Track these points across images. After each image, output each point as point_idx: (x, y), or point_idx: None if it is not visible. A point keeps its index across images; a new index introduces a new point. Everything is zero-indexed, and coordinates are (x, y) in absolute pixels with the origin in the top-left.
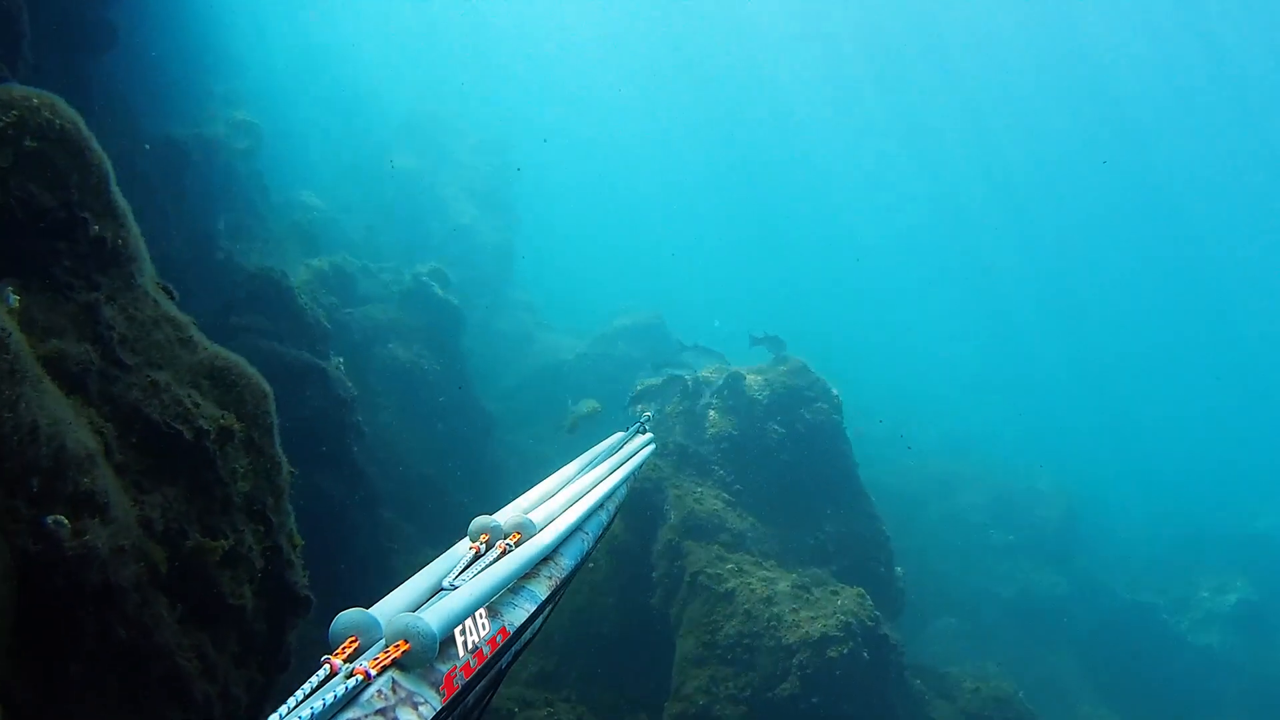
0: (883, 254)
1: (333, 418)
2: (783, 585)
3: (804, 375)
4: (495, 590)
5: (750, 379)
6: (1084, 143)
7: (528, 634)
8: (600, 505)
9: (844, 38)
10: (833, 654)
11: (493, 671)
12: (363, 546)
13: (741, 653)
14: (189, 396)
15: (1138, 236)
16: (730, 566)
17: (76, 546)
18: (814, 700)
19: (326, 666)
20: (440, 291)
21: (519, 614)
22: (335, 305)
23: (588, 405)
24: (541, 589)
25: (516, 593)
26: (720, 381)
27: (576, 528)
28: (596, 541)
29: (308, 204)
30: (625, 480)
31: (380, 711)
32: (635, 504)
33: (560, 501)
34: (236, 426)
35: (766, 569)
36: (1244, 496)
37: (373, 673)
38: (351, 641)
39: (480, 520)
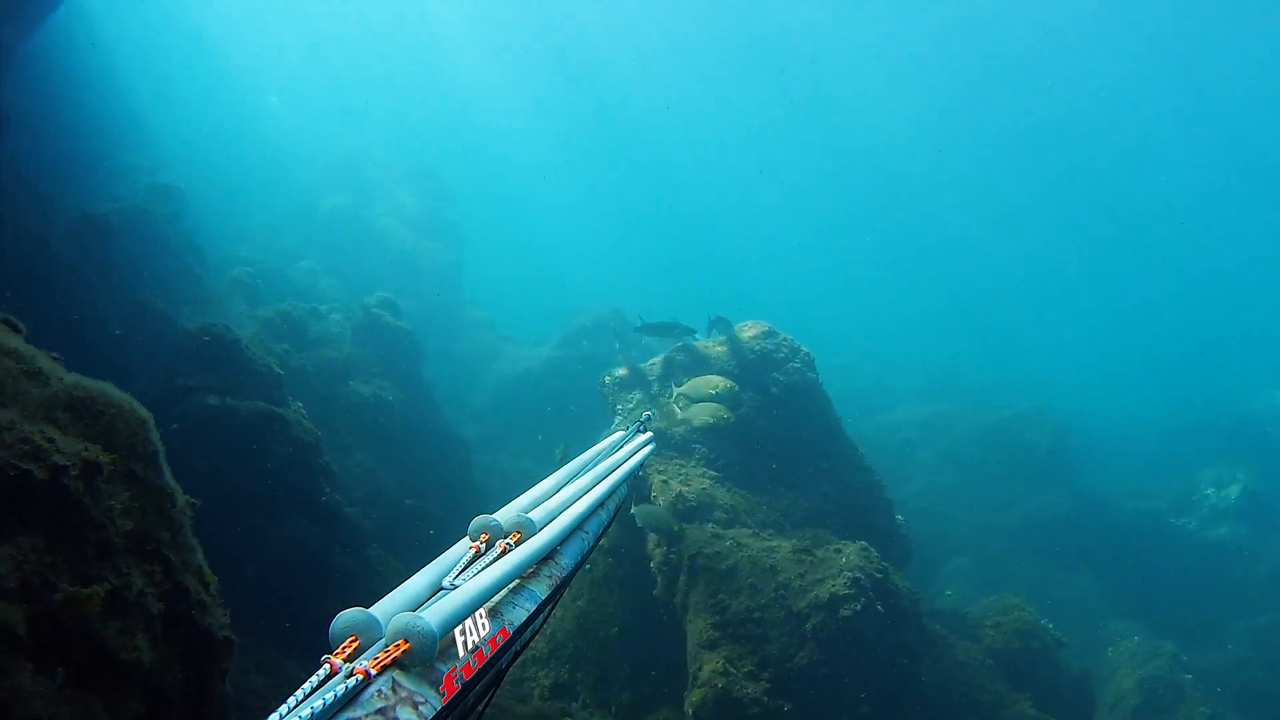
0: (821, 225)
1: (298, 463)
2: (784, 552)
3: (771, 338)
4: (495, 589)
5: (715, 351)
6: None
7: (528, 634)
8: (600, 504)
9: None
10: (846, 613)
11: (493, 671)
12: (350, 588)
13: (753, 628)
14: (40, 433)
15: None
16: (728, 543)
17: None
18: (835, 662)
19: (326, 666)
20: (393, 320)
21: (519, 613)
22: (288, 352)
23: (560, 450)
24: (542, 588)
25: (517, 592)
26: (685, 359)
27: (577, 526)
28: (597, 540)
29: (246, 258)
30: (626, 479)
31: (380, 711)
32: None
33: (560, 500)
34: (105, 459)
35: (765, 539)
36: (1226, 381)
37: (373, 672)
38: (351, 641)
39: (480, 520)
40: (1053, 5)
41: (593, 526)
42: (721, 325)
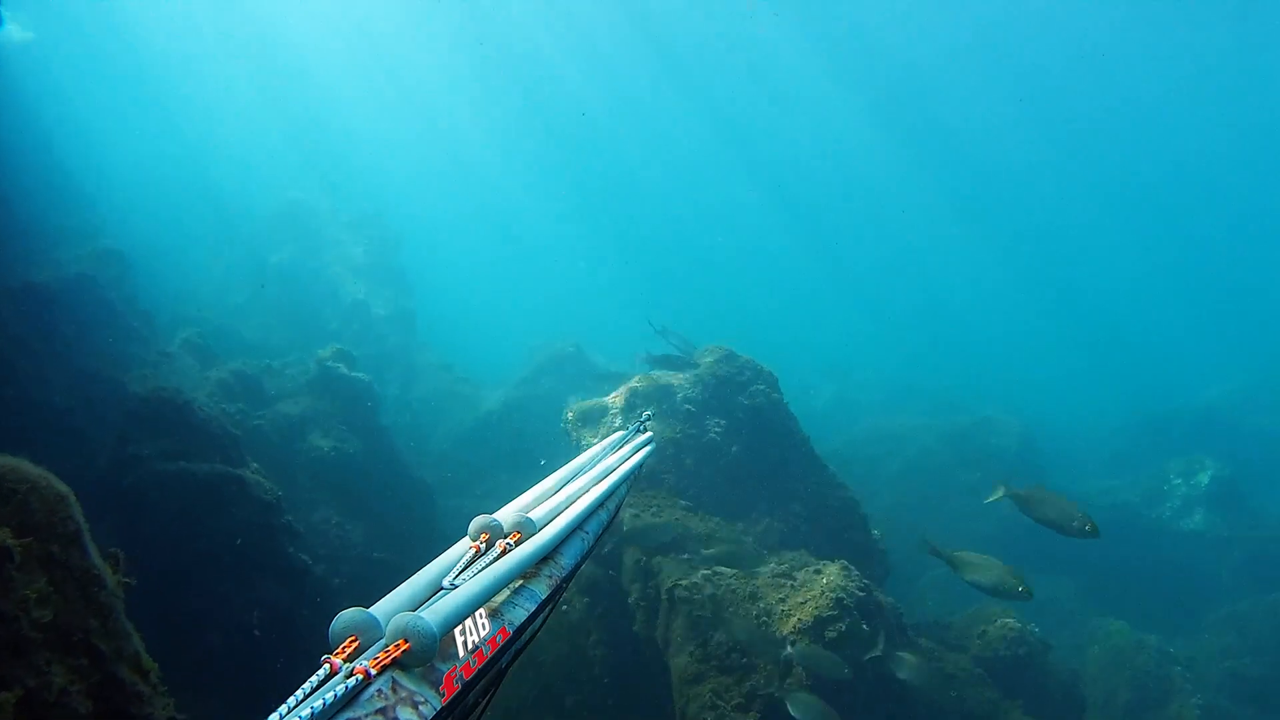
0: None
1: (260, 524)
2: (763, 577)
3: (731, 362)
4: (495, 589)
5: (676, 380)
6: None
7: (528, 634)
8: (600, 504)
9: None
10: (832, 634)
11: (493, 671)
12: (321, 648)
13: (738, 657)
14: None
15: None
16: (705, 572)
17: None
18: (825, 685)
19: (326, 666)
20: (348, 371)
21: (519, 613)
22: (244, 411)
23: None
24: (542, 588)
25: (517, 592)
26: (647, 389)
27: (577, 526)
28: (597, 540)
29: (195, 318)
30: (625, 479)
31: (380, 711)
32: None
33: (560, 500)
34: (14, 543)
35: (743, 565)
36: (1185, 373)
37: (373, 672)
38: (352, 641)
39: (480, 519)
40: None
41: (593, 526)
42: (671, 335)
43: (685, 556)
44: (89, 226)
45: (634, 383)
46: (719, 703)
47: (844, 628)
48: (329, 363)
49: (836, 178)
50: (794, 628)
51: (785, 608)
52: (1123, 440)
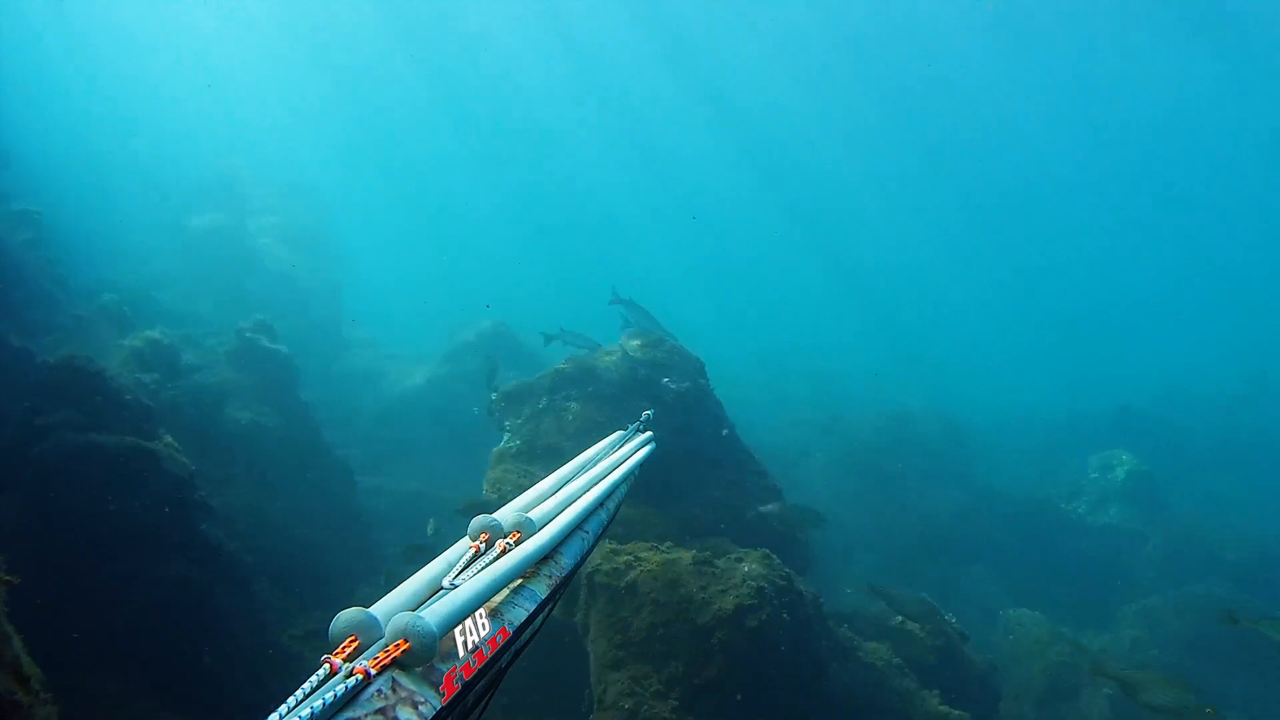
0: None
1: (171, 499)
2: (685, 564)
3: (660, 347)
4: (495, 589)
5: (605, 361)
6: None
7: (528, 633)
8: (600, 503)
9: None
10: (752, 623)
11: (493, 671)
12: (236, 626)
13: (659, 645)
14: None
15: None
16: (626, 558)
17: None
18: (744, 674)
19: (326, 666)
20: (269, 344)
21: (519, 613)
22: (160, 382)
23: (430, 526)
24: (542, 588)
25: (517, 592)
26: (573, 371)
27: (577, 526)
28: (597, 540)
29: (114, 284)
30: (625, 478)
31: (380, 710)
32: None
33: (560, 500)
34: None
35: (665, 551)
36: (1111, 371)
37: (373, 672)
38: (351, 641)
39: (480, 519)
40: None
41: (593, 526)
42: (632, 307)
43: (607, 541)
44: (4, 187)
45: (562, 364)
46: (637, 689)
47: (764, 616)
48: (249, 334)
49: (772, 158)
50: (714, 615)
51: (706, 595)
52: (1048, 436)
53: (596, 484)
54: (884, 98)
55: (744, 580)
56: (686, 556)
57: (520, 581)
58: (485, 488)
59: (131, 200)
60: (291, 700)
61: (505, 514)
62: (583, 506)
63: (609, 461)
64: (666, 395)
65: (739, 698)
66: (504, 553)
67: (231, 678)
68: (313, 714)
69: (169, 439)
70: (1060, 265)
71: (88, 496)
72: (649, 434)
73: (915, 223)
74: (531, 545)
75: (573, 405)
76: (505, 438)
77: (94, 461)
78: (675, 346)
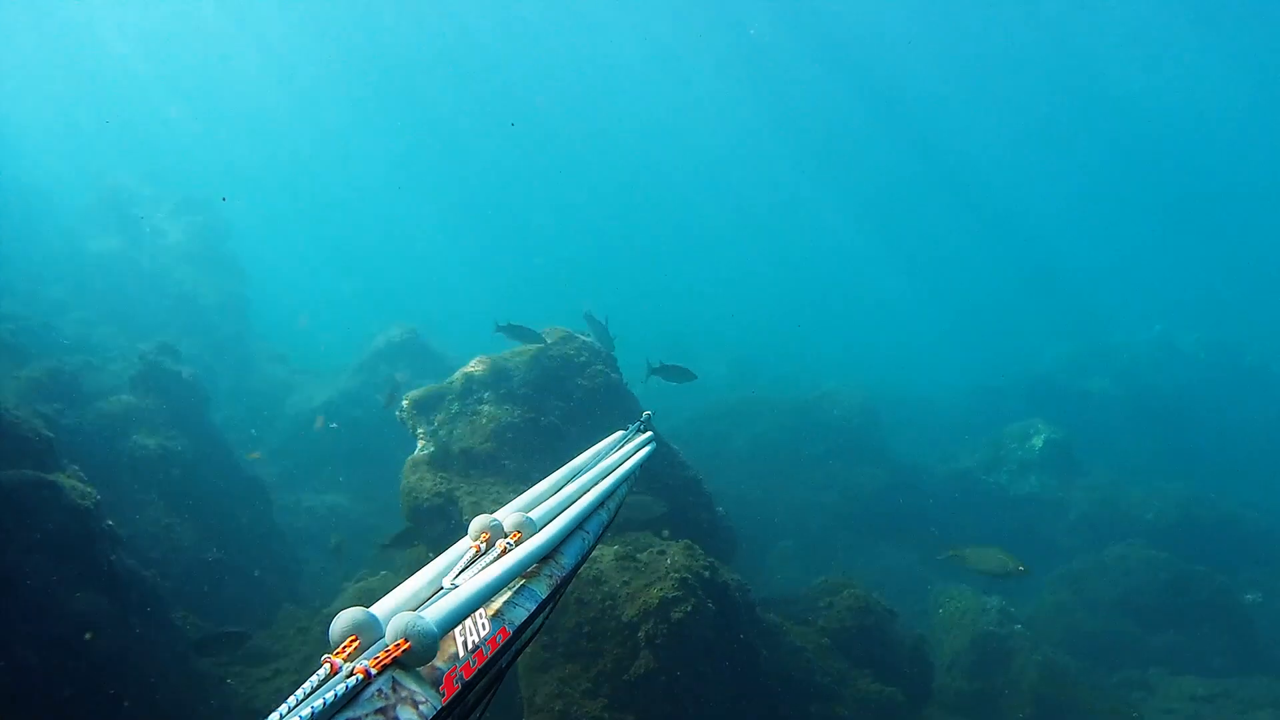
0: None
1: (75, 531)
2: (607, 560)
3: (570, 342)
4: (496, 589)
5: (514, 361)
6: None
7: (528, 633)
8: (600, 503)
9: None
10: (677, 615)
11: (493, 671)
12: (152, 656)
13: (585, 643)
14: None
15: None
16: None
17: None
18: (673, 667)
19: (327, 666)
20: (173, 365)
21: (520, 613)
22: (60, 411)
23: (335, 538)
24: (542, 588)
25: (517, 592)
26: (483, 373)
27: (577, 526)
28: (597, 539)
29: (7, 313)
30: (625, 478)
31: (380, 710)
32: (428, 522)
33: (560, 500)
34: None
35: None
36: (1025, 341)
37: (373, 671)
38: (352, 640)
39: (481, 519)
40: None
41: (593, 526)
42: (517, 332)
43: None
44: None
45: (471, 367)
46: (566, 690)
47: (690, 608)
48: (152, 356)
49: (679, 143)
50: (639, 610)
51: (630, 590)
52: (965, 409)
53: (596, 484)
54: (808, 76)
55: (668, 573)
56: (609, 552)
57: (521, 581)
58: (400, 498)
59: (19, 226)
60: (292, 700)
61: (506, 514)
62: (583, 506)
63: (609, 462)
64: (578, 392)
65: (670, 690)
66: (504, 553)
67: (153, 708)
68: (313, 714)
69: (74, 469)
70: (979, 240)
71: None
72: (649, 434)
73: (835, 201)
74: (532, 545)
75: (485, 408)
76: (418, 445)
77: None
78: (587, 341)
